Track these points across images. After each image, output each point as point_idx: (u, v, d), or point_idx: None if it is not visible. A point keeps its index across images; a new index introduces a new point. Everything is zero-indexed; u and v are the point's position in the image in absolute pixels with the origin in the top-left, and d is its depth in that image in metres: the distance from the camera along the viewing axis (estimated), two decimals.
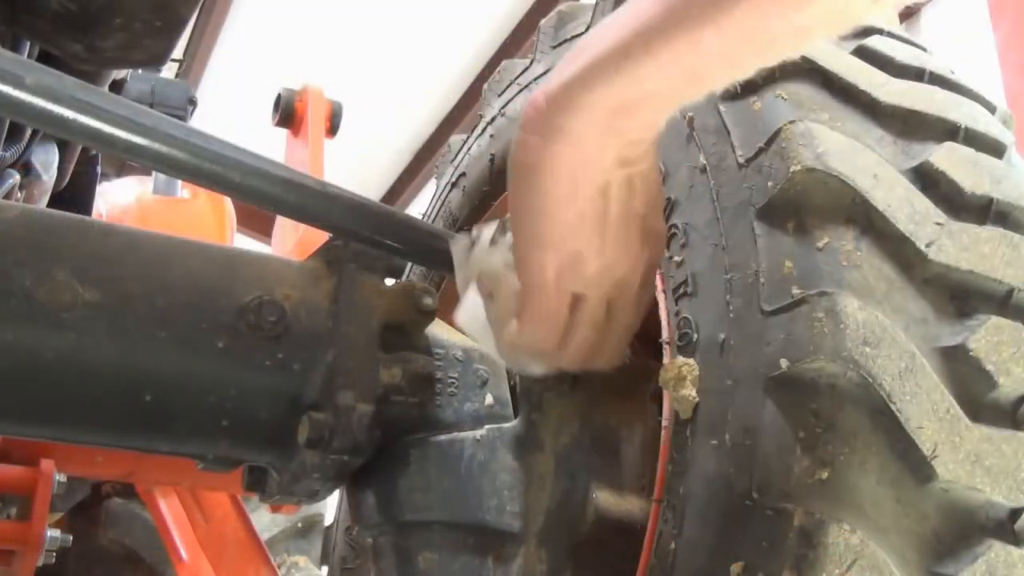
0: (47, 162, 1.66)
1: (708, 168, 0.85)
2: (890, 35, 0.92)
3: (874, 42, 0.90)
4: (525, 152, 0.77)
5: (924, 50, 0.94)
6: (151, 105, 2.77)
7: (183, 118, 2.98)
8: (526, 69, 1.32)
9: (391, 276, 1.06)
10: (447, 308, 1.43)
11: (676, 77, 0.68)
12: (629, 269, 0.82)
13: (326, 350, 0.98)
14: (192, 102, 3.10)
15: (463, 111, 6.48)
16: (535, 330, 0.84)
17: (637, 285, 0.84)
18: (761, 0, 0.63)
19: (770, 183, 0.77)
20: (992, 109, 0.91)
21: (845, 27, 0.70)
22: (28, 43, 1.32)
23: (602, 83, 0.71)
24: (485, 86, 1.45)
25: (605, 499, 0.98)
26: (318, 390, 0.98)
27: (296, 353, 0.99)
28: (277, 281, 1.02)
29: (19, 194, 1.60)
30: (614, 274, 0.82)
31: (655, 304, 0.91)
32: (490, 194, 1.38)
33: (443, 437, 1.02)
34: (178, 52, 6.05)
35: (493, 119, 1.39)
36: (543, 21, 1.27)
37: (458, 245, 0.90)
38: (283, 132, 2.69)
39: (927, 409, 0.68)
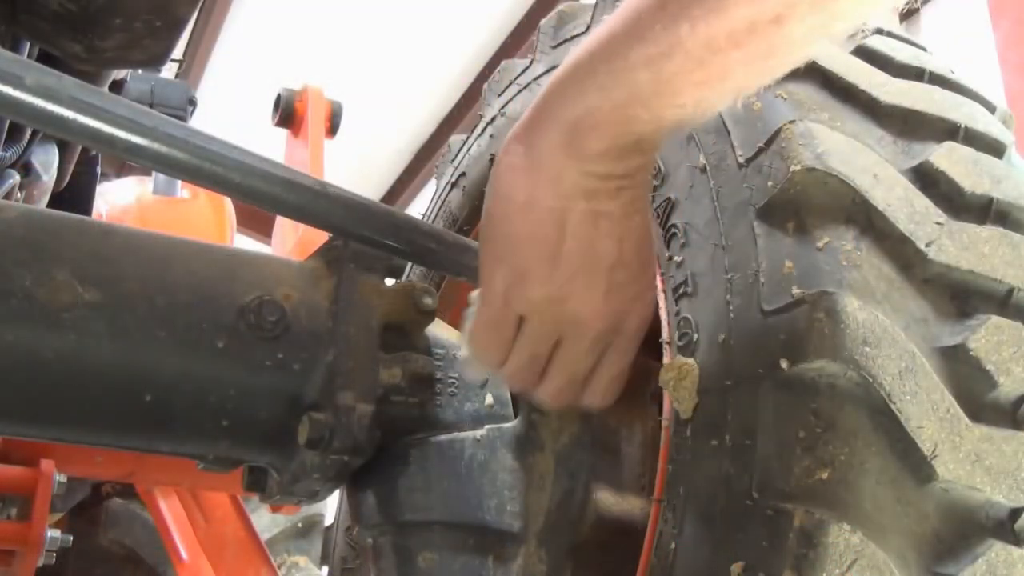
0: (47, 162, 1.66)
1: (708, 168, 0.85)
2: (890, 35, 0.92)
3: (874, 42, 0.90)
4: (499, 163, 0.79)
5: (924, 50, 0.94)
6: (151, 105, 2.77)
7: (183, 118, 2.98)
8: (526, 69, 1.32)
9: (391, 276, 1.06)
10: (447, 308, 1.44)
11: (617, 94, 0.68)
12: (585, 313, 0.79)
13: (326, 350, 0.98)
14: (192, 102, 3.10)
15: (463, 111, 6.48)
16: (478, 337, 0.85)
17: (596, 333, 0.81)
18: (693, 32, 0.63)
19: (770, 183, 0.77)
20: (992, 109, 0.91)
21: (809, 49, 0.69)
22: (28, 43, 1.32)
23: (560, 97, 0.73)
24: (485, 86, 1.45)
25: (605, 499, 0.98)
26: (318, 390, 0.98)
27: (296, 353, 0.99)
28: (277, 281, 1.02)
29: (19, 194, 1.60)
30: (562, 310, 0.79)
31: (656, 304, 0.91)
32: None
33: (443, 437, 1.02)
34: (178, 52, 6.05)
35: (493, 119, 1.39)
36: (543, 21, 1.27)
37: None
38: (283, 132, 2.69)
39: (927, 409, 0.68)
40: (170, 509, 2.37)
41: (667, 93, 0.67)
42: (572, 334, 0.81)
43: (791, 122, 0.78)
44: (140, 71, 2.78)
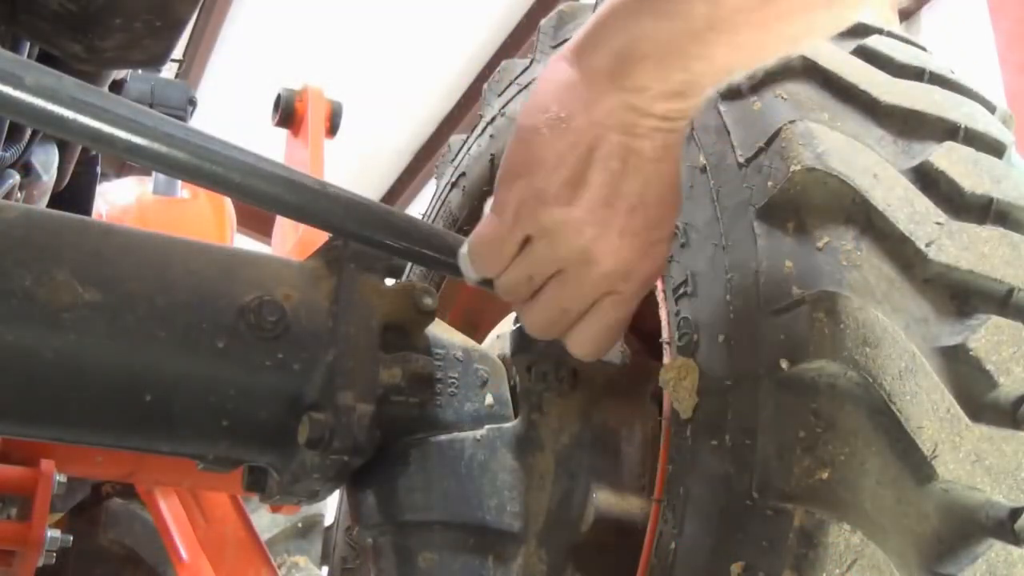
0: (47, 162, 1.67)
1: (708, 168, 0.85)
2: (890, 35, 0.92)
3: (874, 42, 0.90)
4: (540, 77, 0.78)
5: (924, 50, 0.94)
6: (151, 105, 2.77)
7: (183, 118, 2.98)
8: (526, 69, 1.32)
9: (391, 276, 1.06)
10: (447, 308, 1.44)
11: (672, 25, 0.68)
12: (593, 249, 0.76)
13: (326, 350, 0.99)
14: (192, 102, 3.10)
15: (463, 111, 6.48)
16: (479, 247, 0.83)
17: (599, 274, 0.77)
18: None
19: (770, 183, 0.77)
20: (992, 109, 0.91)
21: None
22: (28, 43, 1.32)
23: (614, 19, 0.72)
24: (485, 86, 1.45)
25: (605, 499, 0.98)
26: (318, 390, 0.98)
27: (296, 353, 0.99)
28: (277, 281, 1.02)
29: (19, 194, 1.60)
30: (570, 240, 0.76)
31: (655, 304, 0.91)
32: (490, 194, 1.38)
33: (443, 437, 1.03)
34: (178, 52, 6.05)
35: (493, 119, 1.39)
36: (543, 21, 1.28)
37: None
38: (283, 132, 2.70)
39: (927, 409, 0.68)
40: (170, 509, 2.37)
41: (723, 29, 0.67)
42: (574, 269, 0.78)
43: (791, 122, 0.78)
44: (140, 71, 2.78)
